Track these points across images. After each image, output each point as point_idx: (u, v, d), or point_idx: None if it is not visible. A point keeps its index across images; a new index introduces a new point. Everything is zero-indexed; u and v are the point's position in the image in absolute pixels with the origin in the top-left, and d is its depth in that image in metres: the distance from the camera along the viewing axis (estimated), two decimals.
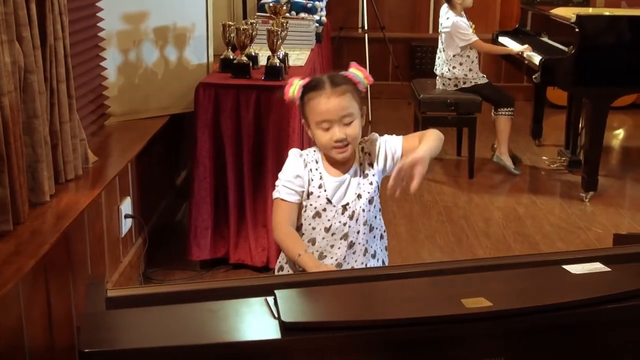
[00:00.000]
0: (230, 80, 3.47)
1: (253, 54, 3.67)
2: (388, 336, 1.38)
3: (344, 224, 2.13)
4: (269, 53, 3.50)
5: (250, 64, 3.53)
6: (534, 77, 4.56)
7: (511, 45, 5.33)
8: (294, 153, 2.18)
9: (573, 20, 4.36)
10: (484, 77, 5.12)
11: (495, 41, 5.69)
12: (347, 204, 2.13)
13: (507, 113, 5.03)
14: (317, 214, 2.14)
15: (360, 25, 7.00)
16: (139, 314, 1.43)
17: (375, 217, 2.20)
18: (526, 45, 5.03)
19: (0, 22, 2.14)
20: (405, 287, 1.58)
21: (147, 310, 1.45)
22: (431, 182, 4.94)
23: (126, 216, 3.21)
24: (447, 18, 5.03)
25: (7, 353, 2.08)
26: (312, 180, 2.13)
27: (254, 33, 3.58)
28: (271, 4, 3.98)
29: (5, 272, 1.98)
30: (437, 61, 5.21)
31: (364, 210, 2.14)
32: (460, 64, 5.04)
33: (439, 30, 5.17)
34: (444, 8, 5.13)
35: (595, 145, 4.52)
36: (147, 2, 3.53)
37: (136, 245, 3.42)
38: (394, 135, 2.21)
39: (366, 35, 6.62)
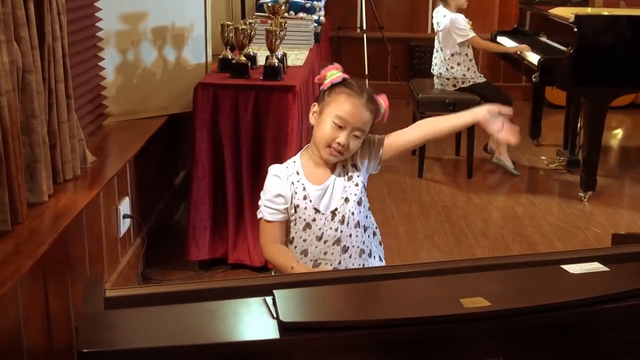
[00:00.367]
0: (229, 80, 3.46)
1: (252, 53, 3.67)
2: (387, 336, 1.38)
3: (336, 230, 2.12)
4: (268, 53, 3.50)
5: (249, 64, 3.53)
6: (532, 76, 4.57)
7: (509, 45, 5.33)
8: (272, 171, 2.17)
9: (572, 20, 4.37)
10: (481, 76, 5.12)
11: (493, 41, 5.69)
12: (336, 209, 2.12)
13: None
14: (307, 225, 2.13)
15: (358, 25, 7.00)
16: (137, 314, 1.43)
17: (366, 216, 2.20)
18: (524, 45, 5.03)
19: None
20: (403, 287, 1.58)
21: (146, 311, 1.44)
22: (430, 182, 4.95)
23: (124, 216, 3.21)
24: (444, 16, 5.03)
25: (5, 353, 2.08)
26: (296, 193, 2.12)
27: (252, 33, 3.58)
28: (270, 4, 3.98)
29: (3, 273, 1.98)
30: (434, 61, 5.21)
31: (353, 213, 2.13)
32: (458, 63, 5.04)
33: (435, 30, 5.17)
34: (439, 8, 5.13)
35: (593, 145, 4.52)
36: (146, 2, 3.53)
37: (135, 245, 3.42)
38: (375, 135, 2.21)
39: (365, 35, 6.62)
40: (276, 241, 2.13)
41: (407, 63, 7.26)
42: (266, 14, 4.14)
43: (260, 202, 2.17)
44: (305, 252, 2.14)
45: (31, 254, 2.10)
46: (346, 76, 2.14)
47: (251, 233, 3.48)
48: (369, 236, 2.20)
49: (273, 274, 2.26)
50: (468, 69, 5.04)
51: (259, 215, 2.16)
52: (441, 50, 5.11)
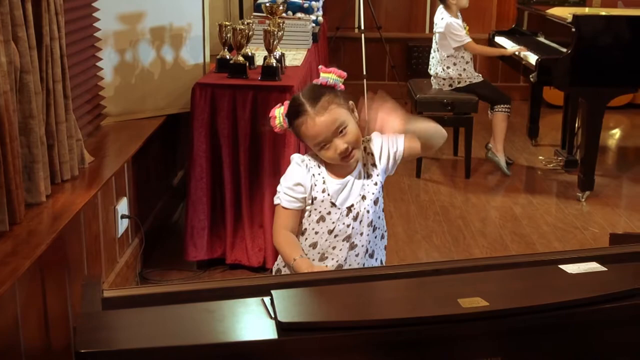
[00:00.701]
0: (227, 80, 3.46)
1: (249, 54, 3.67)
2: (384, 336, 1.38)
3: (348, 226, 2.12)
4: (266, 53, 3.50)
5: (247, 64, 3.53)
6: (530, 76, 4.57)
7: (507, 45, 5.34)
8: (296, 159, 2.16)
9: (569, 20, 4.37)
10: (479, 76, 5.12)
11: (491, 41, 5.70)
12: (352, 205, 2.12)
13: (504, 110, 5.03)
14: (322, 218, 2.13)
15: (356, 26, 7.00)
16: (135, 314, 1.43)
17: (379, 217, 2.20)
18: (519, 46, 5.03)
19: None
20: (401, 287, 1.58)
21: (144, 311, 1.44)
22: (428, 182, 4.95)
23: (122, 216, 3.21)
24: (442, 19, 5.03)
25: (3, 353, 2.08)
26: (316, 185, 2.12)
27: (250, 33, 3.58)
28: (268, 4, 3.98)
29: (1, 273, 1.98)
30: (432, 61, 5.22)
31: (368, 212, 2.13)
32: (454, 64, 5.04)
33: (434, 30, 5.17)
34: (440, 9, 5.13)
35: (591, 145, 4.53)
36: (143, 3, 3.52)
37: (132, 245, 3.41)
38: (396, 136, 2.19)
39: (363, 35, 6.62)
40: (289, 228, 2.12)
41: (405, 63, 7.26)
42: (264, 14, 4.14)
43: (279, 188, 2.15)
44: (314, 245, 2.14)
45: (29, 254, 2.10)
46: (283, 109, 2.12)
47: (249, 233, 3.48)
48: (376, 237, 2.20)
49: (276, 269, 2.25)
50: (464, 70, 5.04)
51: (276, 201, 2.15)
52: (438, 50, 5.11)
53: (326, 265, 2.12)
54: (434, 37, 5.18)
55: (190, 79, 3.59)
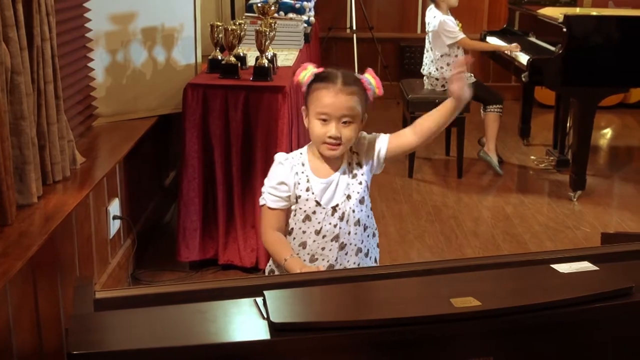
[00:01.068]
0: (219, 80, 3.46)
1: (241, 54, 3.67)
2: (377, 336, 1.38)
3: (335, 226, 2.13)
4: (258, 53, 3.50)
5: (239, 65, 3.52)
6: (522, 76, 4.58)
7: (499, 44, 5.35)
8: (278, 158, 2.17)
9: (561, 20, 4.38)
10: (471, 76, 5.13)
11: (483, 41, 5.70)
12: (337, 205, 2.13)
13: (496, 110, 5.04)
14: (307, 217, 2.13)
15: (348, 26, 7.01)
16: (127, 315, 1.43)
17: (368, 215, 2.20)
18: (514, 44, 5.05)
19: None
20: (394, 287, 1.58)
21: (136, 312, 1.44)
22: (420, 181, 4.96)
23: (114, 217, 3.20)
24: (434, 17, 5.04)
25: None
26: (299, 183, 2.12)
27: (242, 33, 3.58)
28: (259, 5, 3.98)
29: None
30: (425, 61, 5.22)
31: (354, 211, 2.14)
32: (448, 64, 5.05)
33: (426, 30, 5.18)
34: (430, 8, 5.14)
35: (583, 145, 4.54)
36: (135, 3, 3.52)
37: (125, 246, 3.41)
38: (380, 134, 2.21)
39: (355, 35, 6.62)
40: (276, 228, 2.13)
41: (397, 63, 7.27)
42: (256, 15, 4.13)
43: (263, 189, 2.16)
44: (303, 245, 2.14)
45: (20, 256, 2.09)
46: (317, 70, 2.13)
47: (241, 234, 3.48)
48: (368, 236, 2.20)
49: (268, 270, 2.25)
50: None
51: (262, 202, 2.16)
52: (431, 50, 5.12)
53: (323, 266, 2.12)
54: (427, 37, 5.19)
55: (182, 80, 3.59)
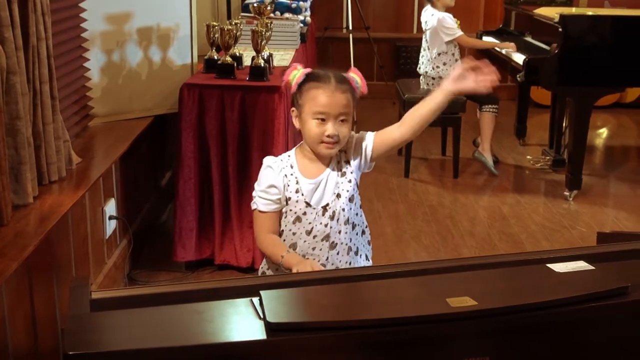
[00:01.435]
0: (215, 80, 3.46)
1: (237, 54, 3.67)
2: (374, 336, 1.38)
3: (325, 225, 2.13)
4: (254, 53, 3.50)
5: (235, 65, 3.52)
6: (518, 76, 4.58)
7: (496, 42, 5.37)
8: (266, 162, 2.18)
9: (556, 20, 4.39)
10: None
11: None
12: (327, 204, 2.13)
13: (491, 110, 5.05)
14: (298, 219, 2.14)
15: (344, 26, 7.01)
16: (123, 315, 1.43)
17: (357, 214, 2.20)
18: (511, 43, 5.05)
19: None
20: (390, 286, 1.58)
21: (132, 312, 1.44)
22: (416, 181, 4.96)
23: (110, 217, 3.20)
24: (432, 15, 5.05)
25: None
26: (288, 185, 2.13)
27: (238, 33, 3.58)
28: (255, 4, 3.98)
29: None
30: (421, 60, 5.23)
31: (344, 210, 2.14)
32: (444, 63, 5.06)
33: (423, 29, 5.19)
34: (427, 8, 5.15)
35: (579, 145, 4.55)
36: (131, 3, 3.51)
37: (121, 246, 3.40)
38: (367, 132, 2.21)
39: (351, 35, 6.62)
40: (269, 231, 2.14)
41: (393, 63, 7.27)
42: (252, 15, 4.13)
43: (254, 193, 2.17)
44: (294, 246, 2.15)
45: (16, 256, 2.09)
46: (308, 70, 2.14)
47: (238, 234, 3.48)
48: (357, 234, 2.20)
49: (261, 272, 2.25)
50: (454, 69, 5.05)
51: (253, 206, 2.16)
52: (428, 49, 5.12)
53: (314, 260, 2.12)
54: (423, 36, 5.19)
55: (178, 80, 3.58)
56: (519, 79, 4.58)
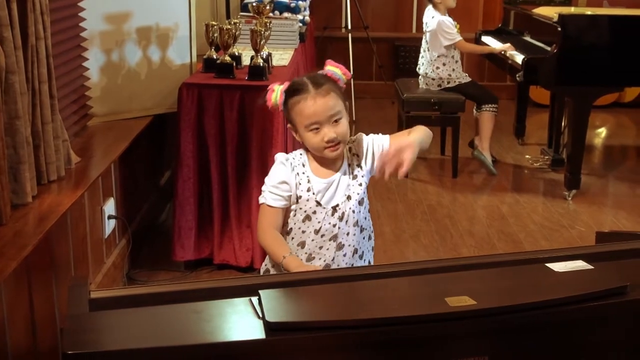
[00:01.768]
0: (214, 80, 3.46)
1: (236, 53, 3.67)
2: (372, 335, 1.38)
3: (334, 226, 2.13)
4: (253, 53, 3.50)
5: (234, 64, 3.52)
6: (517, 76, 4.58)
7: (494, 44, 5.35)
8: (279, 158, 2.17)
9: (555, 19, 4.39)
10: (466, 76, 5.14)
11: (478, 40, 5.72)
12: (337, 205, 2.13)
13: (490, 109, 5.05)
14: (307, 217, 2.13)
15: (343, 25, 7.01)
16: (122, 315, 1.43)
17: (365, 217, 2.20)
18: (508, 44, 5.05)
19: None
20: (389, 286, 1.58)
21: (131, 312, 1.44)
22: (415, 181, 4.96)
23: (109, 217, 3.20)
24: (432, 17, 5.05)
25: None
26: (300, 184, 2.12)
27: (237, 33, 3.57)
28: (254, 4, 3.98)
29: None
30: (421, 60, 5.23)
31: (353, 212, 2.14)
32: (444, 64, 5.06)
33: (424, 30, 5.18)
34: (429, 9, 5.15)
35: (577, 144, 4.55)
36: (130, 2, 3.51)
37: (120, 246, 3.40)
38: (380, 135, 2.21)
39: (350, 35, 6.62)
40: (274, 227, 2.13)
41: (392, 63, 7.27)
42: (251, 14, 4.13)
43: (263, 188, 2.16)
44: (302, 244, 2.14)
45: (15, 256, 2.09)
46: (285, 87, 2.13)
47: (237, 233, 3.48)
48: (364, 238, 2.20)
49: (264, 269, 2.25)
50: (453, 70, 5.06)
51: (261, 200, 2.15)
52: (428, 50, 5.12)
53: (320, 265, 2.12)
54: (424, 37, 5.19)
55: (177, 79, 3.58)
56: (518, 78, 4.58)
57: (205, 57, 3.63)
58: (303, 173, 2.13)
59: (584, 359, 1.53)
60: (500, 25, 5.88)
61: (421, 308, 1.43)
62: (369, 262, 2.25)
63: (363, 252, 2.20)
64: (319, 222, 2.13)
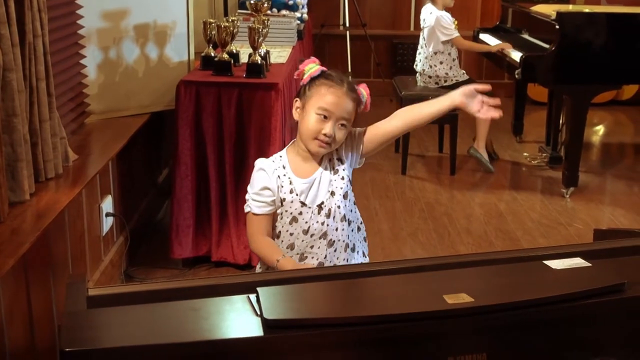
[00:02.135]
0: (212, 77, 3.46)
1: (234, 51, 3.66)
2: (370, 333, 1.38)
3: (322, 223, 2.13)
4: (250, 50, 3.49)
5: (232, 62, 3.52)
6: (515, 73, 4.58)
7: (492, 42, 5.35)
8: (258, 164, 2.18)
9: (553, 17, 4.39)
10: (464, 74, 5.14)
11: (476, 38, 5.72)
12: (322, 202, 2.14)
13: None
14: (294, 219, 2.14)
15: (341, 23, 7.00)
16: (120, 312, 1.43)
17: (351, 210, 2.21)
18: (506, 43, 5.05)
19: None
20: (387, 283, 1.58)
21: (129, 309, 1.44)
22: (413, 178, 4.96)
23: (107, 214, 3.20)
24: (431, 13, 5.05)
25: None
26: (282, 186, 2.13)
27: (235, 30, 3.57)
28: (252, 1, 3.97)
29: None
30: (418, 57, 5.23)
31: (339, 207, 2.15)
32: (441, 62, 5.06)
33: (421, 26, 5.19)
34: (427, 6, 5.15)
35: (575, 142, 4.55)
36: (127, 0, 3.50)
37: (117, 243, 3.40)
38: (357, 128, 2.22)
39: (348, 32, 6.62)
40: (263, 233, 2.14)
41: (390, 60, 7.27)
42: (249, 12, 4.13)
43: (247, 196, 2.17)
44: (291, 246, 2.15)
45: (12, 253, 2.09)
46: (324, 68, 2.16)
47: (234, 231, 3.48)
48: (352, 230, 2.20)
49: (258, 269, 2.25)
50: (450, 68, 5.06)
51: (247, 209, 2.16)
52: (425, 46, 5.12)
53: (313, 264, 2.12)
54: (421, 33, 5.19)
55: (174, 77, 3.58)
56: (516, 76, 4.57)
57: (203, 54, 3.62)
58: (284, 175, 2.14)
59: (581, 356, 1.53)
60: (498, 22, 5.88)
61: (419, 305, 1.43)
62: (364, 252, 2.25)
63: (354, 244, 2.21)
64: (306, 222, 2.13)
